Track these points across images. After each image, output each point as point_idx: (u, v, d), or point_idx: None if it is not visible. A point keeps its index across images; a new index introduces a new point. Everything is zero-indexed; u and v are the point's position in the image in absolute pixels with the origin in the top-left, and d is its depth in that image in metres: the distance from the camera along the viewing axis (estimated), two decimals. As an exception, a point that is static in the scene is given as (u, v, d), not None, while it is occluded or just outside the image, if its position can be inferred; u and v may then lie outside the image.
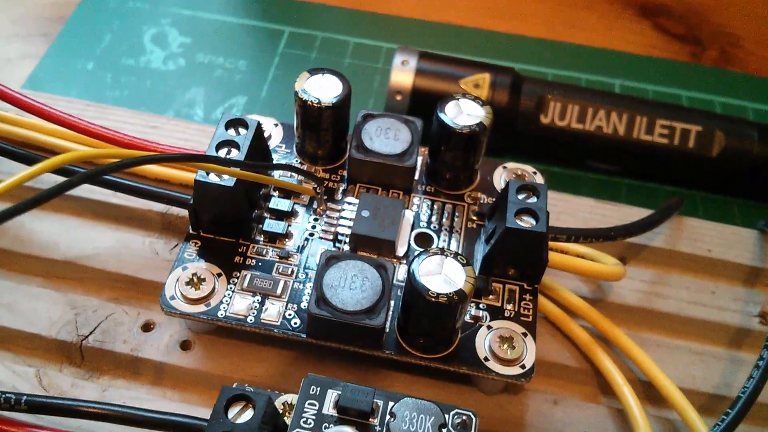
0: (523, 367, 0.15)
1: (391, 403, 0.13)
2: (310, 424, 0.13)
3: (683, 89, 0.28)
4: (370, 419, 0.13)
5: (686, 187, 0.24)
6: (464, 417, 0.13)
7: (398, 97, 0.23)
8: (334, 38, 0.28)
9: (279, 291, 0.16)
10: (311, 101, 0.17)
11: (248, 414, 0.12)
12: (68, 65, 0.26)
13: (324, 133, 0.17)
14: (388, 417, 0.13)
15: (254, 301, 0.16)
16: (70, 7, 0.29)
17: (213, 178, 0.15)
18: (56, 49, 0.27)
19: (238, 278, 0.16)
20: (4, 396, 0.13)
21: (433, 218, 0.17)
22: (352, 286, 0.15)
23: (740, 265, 0.19)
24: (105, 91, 0.25)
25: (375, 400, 0.13)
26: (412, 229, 0.17)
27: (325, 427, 0.12)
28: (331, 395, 0.13)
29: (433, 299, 0.14)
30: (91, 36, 0.27)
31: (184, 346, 0.16)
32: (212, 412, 0.12)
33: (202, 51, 0.27)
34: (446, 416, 0.13)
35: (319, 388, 0.13)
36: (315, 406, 0.13)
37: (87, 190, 0.18)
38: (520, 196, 0.16)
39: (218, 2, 0.29)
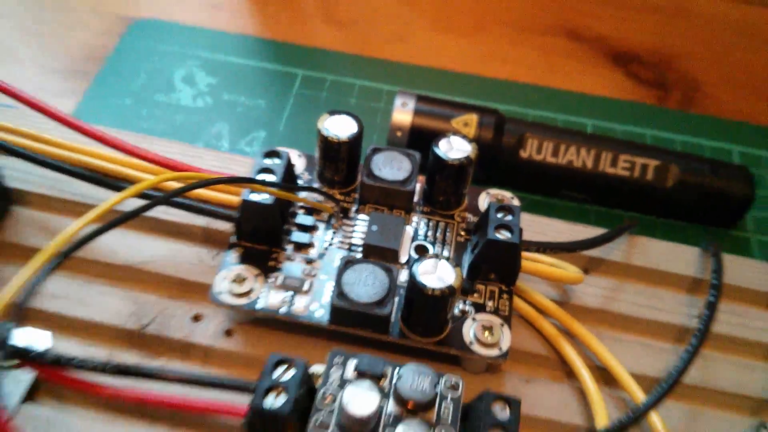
0: (500, 350, 0.19)
1: (398, 369, 0.17)
2: (335, 384, 0.17)
3: (648, 129, 0.33)
4: (382, 380, 0.17)
5: (645, 213, 0.29)
6: (453, 381, 0.17)
7: (398, 134, 0.28)
8: (342, 81, 0.33)
9: (305, 288, 0.20)
10: (331, 137, 0.21)
11: (290, 373, 0.16)
12: (108, 100, 0.31)
13: (341, 163, 0.22)
14: (396, 377, 0.17)
15: (286, 296, 0.20)
16: (107, 49, 0.33)
17: (254, 197, 0.20)
18: (97, 86, 0.31)
19: (272, 278, 0.20)
20: (94, 363, 0.18)
21: (429, 233, 0.22)
22: (366, 284, 0.19)
23: (684, 277, 0.24)
24: (141, 123, 0.30)
25: (386, 367, 0.17)
26: (412, 241, 0.22)
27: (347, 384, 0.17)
28: (351, 363, 0.17)
29: (429, 293, 0.18)
30: (127, 75, 0.32)
31: (228, 333, 0.21)
32: (262, 372, 0.16)
33: (226, 90, 0.32)
34: (440, 379, 0.17)
35: (342, 358, 0.17)
36: (339, 371, 0.17)
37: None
38: (499, 215, 0.20)
39: (240, 48, 0.34)
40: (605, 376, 0.21)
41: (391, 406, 0.17)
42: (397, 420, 0.16)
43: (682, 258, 0.24)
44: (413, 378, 0.17)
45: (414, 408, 0.16)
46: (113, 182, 0.21)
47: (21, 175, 0.23)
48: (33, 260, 0.18)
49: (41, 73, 0.32)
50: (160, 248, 0.22)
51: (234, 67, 0.33)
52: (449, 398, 0.17)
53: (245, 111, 0.31)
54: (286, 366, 0.17)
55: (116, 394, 0.18)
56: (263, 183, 0.19)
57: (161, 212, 0.23)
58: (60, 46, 0.33)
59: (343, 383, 0.17)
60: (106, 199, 0.19)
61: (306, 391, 0.17)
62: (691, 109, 0.35)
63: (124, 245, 0.22)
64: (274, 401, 0.16)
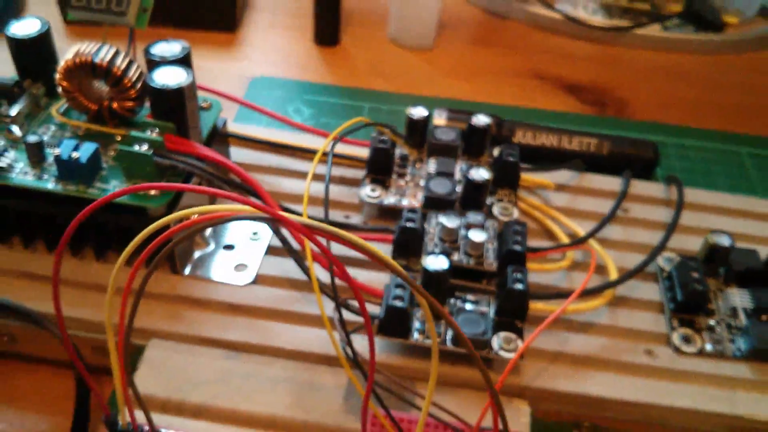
0: (512, 216, 0.37)
1: (464, 217, 0.35)
2: (434, 223, 0.35)
3: (592, 128, 0.52)
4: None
5: (592, 172, 0.47)
6: (492, 221, 0.35)
7: (438, 131, 0.47)
8: (394, 108, 0.52)
9: (407, 193, 0.38)
10: (414, 117, 0.40)
11: (414, 215, 0.34)
12: (250, 122, 0.49)
13: (420, 132, 0.40)
14: (465, 217, 0.35)
15: (397, 198, 0.38)
16: (240, 94, 0.52)
17: (380, 144, 0.38)
18: (240, 115, 0.50)
19: (389, 189, 0.38)
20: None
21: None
22: (440, 186, 0.37)
23: (612, 191, 0.42)
24: (273, 138, 0.48)
25: (458, 216, 0.35)
26: (460, 172, 0.40)
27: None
28: (441, 215, 0.35)
29: (473, 182, 0.36)
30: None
31: (364, 223, 0.38)
32: (401, 215, 0.34)
33: (323, 117, 0.51)
34: (486, 220, 0.35)
35: (436, 213, 0.35)
36: (435, 218, 0.35)
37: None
38: (506, 150, 0.39)
39: (325, 92, 0.53)
40: (572, 235, 0.39)
41: (462, 231, 0.35)
42: (467, 231, 0.34)
43: (610, 182, 0.43)
44: (474, 217, 0.35)
45: (474, 227, 0.34)
46: (297, 149, 0.40)
47: (237, 152, 0.41)
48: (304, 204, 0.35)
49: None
50: (320, 187, 0.40)
51: (324, 103, 0.52)
52: (491, 228, 0.35)
53: (335, 128, 0.50)
54: (413, 212, 0.34)
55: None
56: (391, 127, 0.38)
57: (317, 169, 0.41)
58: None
59: (439, 222, 0.35)
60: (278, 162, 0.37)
61: (422, 228, 0.35)
62: (620, 117, 0.54)
63: (300, 186, 0.40)
64: (411, 224, 0.34)
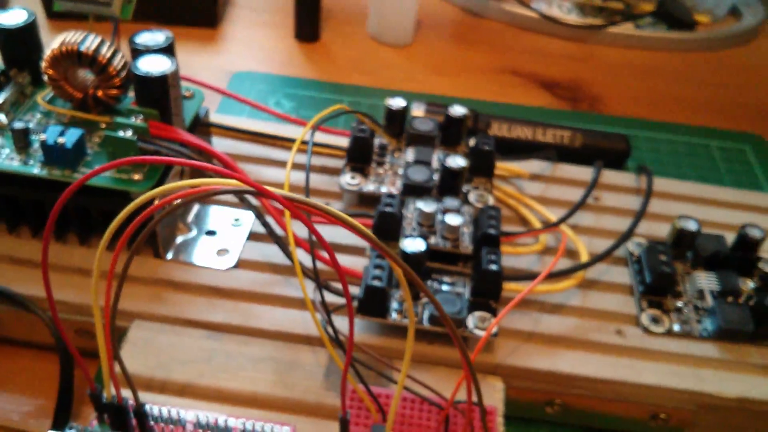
0: (487, 203, 0.38)
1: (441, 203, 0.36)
2: (412, 209, 0.36)
3: (566, 122, 0.53)
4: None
5: (566, 162, 0.49)
6: (469, 207, 0.36)
7: (416, 124, 0.48)
8: (374, 103, 0.53)
9: (386, 181, 0.39)
10: (393, 108, 0.41)
11: (393, 200, 0.35)
12: (232, 113, 0.50)
13: (397, 122, 0.41)
14: (442, 202, 0.36)
15: (377, 185, 0.39)
16: (225, 83, 0.53)
17: (359, 134, 0.39)
18: (222, 107, 0.51)
19: (369, 177, 0.39)
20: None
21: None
22: (418, 173, 0.38)
23: (584, 180, 0.43)
24: (255, 131, 0.49)
25: (435, 202, 0.36)
26: (438, 161, 0.41)
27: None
28: (418, 201, 0.36)
29: (450, 169, 0.37)
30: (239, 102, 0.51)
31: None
32: (380, 201, 0.35)
33: (303, 110, 0.52)
34: (462, 206, 0.36)
35: (414, 200, 0.36)
36: (413, 204, 0.36)
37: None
38: (482, 139, 0.40)
39: (306, 86, 0.54)
40: (545, 222, 0.40)
41: (439, 215, 0.36)
42: (444, 215, 0.35)
43: (583, 172, 0.44)
44: (450, 202, 0.36)
45: (451, 211, 0.35)
46: (278, 138, 0.41)
47: (218, 141, 0.42)
48: (285, 191, 0.36)
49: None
50: (301, 175, 0.41)
51: (304, 97, 0.53)
52: (467, 213, 0.36)
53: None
54: (392, 198, 0.35)
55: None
56: (370, 116, 0.39)
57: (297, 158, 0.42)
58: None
59: (417, 207, 0.36)
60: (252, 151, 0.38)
61: (400, 213, 0.36)
62: (593, 111, 0.56)
63: (281, 175, 0.41)
64: (390, 209, 0.35)
